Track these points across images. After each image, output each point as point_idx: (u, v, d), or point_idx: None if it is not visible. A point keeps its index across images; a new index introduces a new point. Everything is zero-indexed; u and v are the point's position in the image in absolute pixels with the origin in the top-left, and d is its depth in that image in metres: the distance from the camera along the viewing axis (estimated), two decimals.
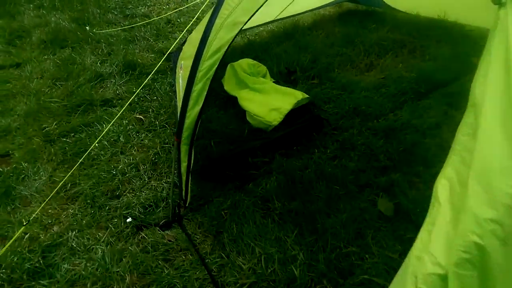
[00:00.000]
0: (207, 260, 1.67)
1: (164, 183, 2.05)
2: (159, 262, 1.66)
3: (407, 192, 1.99)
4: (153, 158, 2.21)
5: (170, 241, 1.75)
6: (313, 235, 1.78)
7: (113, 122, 2.26)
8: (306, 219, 1.84)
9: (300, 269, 1.61)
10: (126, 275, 1.60)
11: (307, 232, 1.80)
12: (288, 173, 2.08)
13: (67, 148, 2.30)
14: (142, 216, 1.87)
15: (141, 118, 2.59)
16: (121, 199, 1.96)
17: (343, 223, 1.83)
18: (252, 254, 1.68)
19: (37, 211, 1.83)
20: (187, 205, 1.85)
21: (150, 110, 2.67)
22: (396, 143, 2.34)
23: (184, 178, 1.72)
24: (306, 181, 2.05)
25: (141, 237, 1.77)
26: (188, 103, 1.51)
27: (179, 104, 2.32)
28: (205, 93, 1.50)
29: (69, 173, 1.92)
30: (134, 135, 2.40)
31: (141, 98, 2.82)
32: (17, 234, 1.46)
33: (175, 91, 2.59)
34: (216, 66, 1.44)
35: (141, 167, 2.15)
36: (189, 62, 1.78)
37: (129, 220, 1.80)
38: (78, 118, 2.57)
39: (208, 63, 1.44)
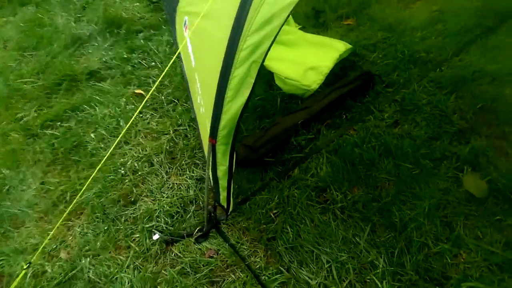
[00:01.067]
0: (263, 278, 1.39)
1: (188, 178, 1.72)
2: (204, 286, 1.38)
3: (497, 164, 1.67)
4: (167, 147, 1.85)
5: (211, 256, 1.47)
6: (390, 231, 1.51)
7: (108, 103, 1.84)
8: (377, 212, 1.59)
9: (383, 279, 1.35)
10: None
11: (381, 228, 1.52)
12: (342, 152, 1.77)
13: (55, 143, 1.93)
14: (170, 228, 1.56)
15: (141, 93, 2.18)
16: (138, 205, 1.65)
17: (425, 213, 1.53)
18: (318, 263, 1.42)
19: (35, 234, 1.51)
20: (229, 214, 1.53)
21: (150, 81, 2.24)
22: (469, 98, 1.98)
23: (223, 182, 1.37)
24: (366, 160, 1.74)
25: (174, 255, 1.49)
26: (226, 93, 1.12)
27: (191, 76, 1.91)
28: (252, 80, 1.11)
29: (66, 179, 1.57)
30: (138, 118, 2.01)
31: (136, 66, 2.37)
32: (14, 284, 1.14)
33: (180, 57, 2.14)
34: (269, 44, 1.04)
35: (155, 160, 1.80)
36: (205, 24, 1.37)
37: (156, 237, 1.50)
38: (61, 101, 2.15)
39: (254, 40, 1.05)
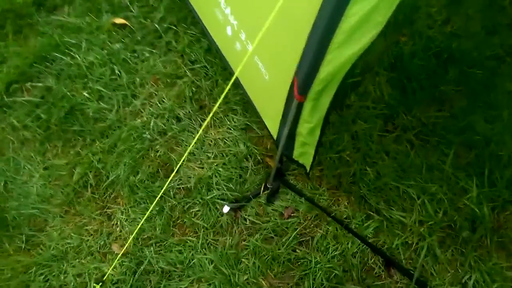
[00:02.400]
0: (353, 227, 1.42)
1: (231, 129, 1.59)
2: (297, 249, 1.39)
3: None
4: (190, 93, 1.65)
5: (292, 215, 1.44)
6: (473, 150, 1.54)
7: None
8: (455, 131, 1.60)
9: (478, 203, 1.44)
10: (261, 280, 1.34)
11: (464, 148, 1.56)
12: (400, 66, 1.71)
13: (39, 113, 1.61)
14: (235, 193, 1.47)
15: (124, 23, 1.82)
16: (183, 173, 1.51)
17: (503, 123, 1.57)
18: (407, 200, 1.46)
19: (69, 232, 1.37)
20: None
21: (127, 1, 1.85)
22: None
23: (307, 139, 1.26)
24: (430, 71, 1.69)
25: (249, 222, 1.44)
26: (333, 37, 0.91)
27: None
28: (383, 20, 0.90)
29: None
30: (133, 59, 1.70)
31: None
32: None
33: None
34: None
35: (181, 113, 1.62)
36: None
37: (226, 209, 1.42)
38: (16, 50, 1.74)
39: None
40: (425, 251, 1.39)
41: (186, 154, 1.06)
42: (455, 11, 1.87)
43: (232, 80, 1.02)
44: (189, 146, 1.57)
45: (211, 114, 1.02)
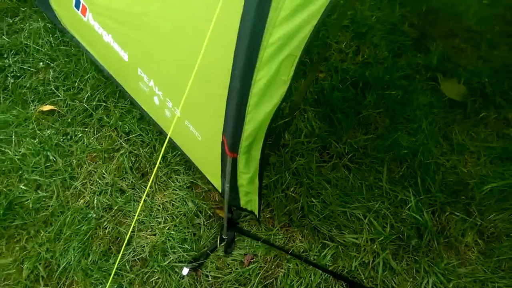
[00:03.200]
0: (312, 258, 1.58)
1: (176, 190, 1.71)
2: None
3: (460, 62, 2.06)
4: (129, 163, 1.77)
5: (252, 261, 1.57)
6: (403, 163, 1.79)
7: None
8: (384, 149, 1.85)
9: (418, 210, 1.69)
10: None
11: (395, 163, 1.80)
12: (323, 100, 1.97)
13: None
14: (192, 253, 1.59)
15: (52, 109, 1.96)
16: (136, 244, 1.60)
17: (425, 134, 1.85)
18: (356, 221, 1.64)
19: None
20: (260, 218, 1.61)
21: (52, 87, 2.00)
22: (410, 4, 2.29)
23: (248, 188, 1.44)
24: (351, 100, 1.97)
25: (212, 278, 1.54)
26: (248, 100, 1.11)
27: (121, 70, 1.78)
28: (286, 79, 1.10)
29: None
30: (66, 142, 1.83)
31: (18, 74, 2.07)
32: None
33: (81, 46, 1.94)
34: (310, 29, 1.02)
35: (124, 185, 1.73)
36: (138, 5, 1.34)
37: (186, 271, 1.52)
38: None
39: (284, 31, 1.00)
40: (382, 266, 1.56)
41: (133, 223, 1.17)
42: (362, 42, 2.20)
43: (165, 146, 1.18)
44: (139, 215, 1.68)
45: (150, 180, 1.16)
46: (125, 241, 1.20)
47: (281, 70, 1.06)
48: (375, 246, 1.58)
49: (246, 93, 1.10)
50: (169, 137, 1.74)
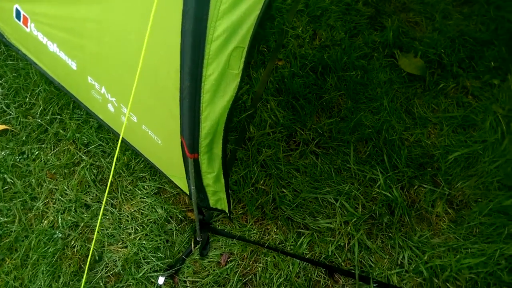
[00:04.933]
0: (289, 249, 1.58)
1: (144, 197, 1.69)
2: None
3: (416, 36, 2.08)
4: (91, 176, 1.72)
5: (228, 260, 1.56)
6: (369, 142, 1.81)
7: None
8: (349, 130, 1.86)
9: (388, 187, 1.71)
10: None
11: (361, 143, 1.81)
12: (285, 89, 1.98)
13: None
14: (167, 260, 1.56)
15: (5, 128, 1.88)
16: (108, 259, 1.57)
17: (387, 111, 1.87)
18: (328, 206, 1.66)
19: None
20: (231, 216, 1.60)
21: (3, 106, 1.92)
22: None
23: (214, 187, 1.42)
24: (312, 86, 1.98)
25: (190, 283, 1.53)
26: (201, 98, 1.09)
27: (72, 81, 1.72)
28: (237, 72, 1.08)
29: None
30: (22, 161, 1.77)
31: None
32: None
33: (29, 60, 1.87)
34: (255, 17, 1.00)
35: (88, 199, 1.68)
36: (78, 11, 1.31)
37: (161, 280, 1.50)
38: None
39: (228, 24, 0.98)
40: (357, 247, 1.57)
41: (94, 236, 1.13)
42: (318, 25, 2.19)
43: (118, 147, 1.14)
44: (106, 229, 1.63)
45: (108, 186, 1.11)
46: (89, 258, 1.15)
47: (230, 63, 1.05)
48: (349, 228, 1.60)
49: (198, 91, 1.08)
50: (132, 144, 1.70)
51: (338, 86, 1.96)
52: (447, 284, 1.51)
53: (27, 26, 1.73)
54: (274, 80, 1.99)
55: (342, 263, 1.56)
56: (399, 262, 1.56)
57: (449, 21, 2.19)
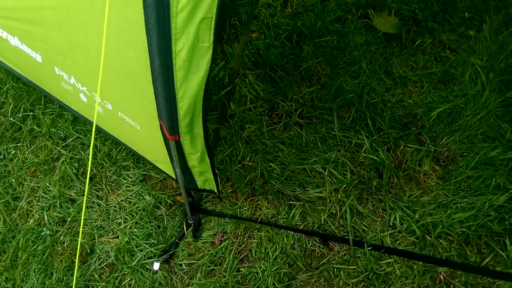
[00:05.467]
0: (282, 222, 1.56)
1: (130, 186, 1.65)
2: (240, 268, 1.50)
3: None
4: (73, 170, 1.67)
5: (222, 239, 1.54)
6: (352, 107, 1.78)
7: None
8: (331, 97, 1.82)
9: (374, 151, 1.70)
10: None
11: (344, 109, 1.78)
12: (262, 61, 1.91)
13: None
14: (160, 246, 1.53)
15: None
16: (100, 251, 1.53)
17: (366, 74, 1.84)
18: (317, 176, 1.64)
19: None
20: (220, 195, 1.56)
21: None
22: None
23: (200, 167, 1.37)
24: (289, 55, 1.93)
25: (186, 265, 1.50)
26: (174, 76, 1.03)
27: (40, 74, 1.63)
28: (208, 44, 1.02)
29: None
30: (1, 163, 1.72)
31: None
32: None
33: None
34: None
35: (72, 193, 1.63)
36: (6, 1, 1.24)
37: (157, 266, 1.47)
38: None
39: None
40: (349, 213, 1.56)
41: (80, 229, 1.08)
42: None
43: (93, 135, 1.08)
44: (95, 221, 1.58)
45: (87, 181, 1.06)
46: (78, 251, 1.11)
47: (200, 36, 1.00)
48: (339, 196, 1.58)
49: (170, 69, 1.03)
50: (111, 133, 1.63)
51: (315, 53, 1.91)
52: (440, 240, 1.51)
53: None
54: (250, 53, 1.92)
55: (335, 231, 1.55)
56: (391, 224, 1.55)
57: None
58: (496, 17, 1.93)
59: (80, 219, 1.58)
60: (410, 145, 1.69)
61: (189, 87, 1.09)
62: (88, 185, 1.66)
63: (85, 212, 1.56)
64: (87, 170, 1.57)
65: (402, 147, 1.70)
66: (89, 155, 1.71)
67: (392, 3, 1.98)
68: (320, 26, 1.96)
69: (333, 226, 1.55)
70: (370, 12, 1.98)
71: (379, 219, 1.57)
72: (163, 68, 1.01)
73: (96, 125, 1.64)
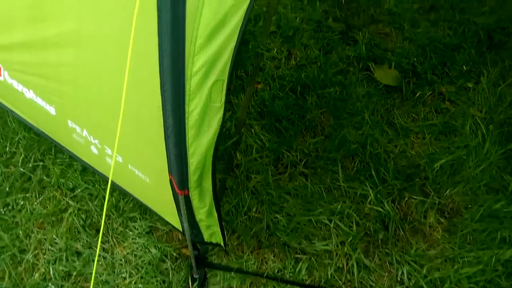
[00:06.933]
0: (288, 277, 1.52)
1: (136, 238, 1.61)
2: None
3: (388, 46, 2.07)
4: (80, 222, 1.64)
5: None
6: (356, 158, 1.77)
7: None
8: (335, 148, 1.80)
9: (379, 202, 1.66)
10: None
11: (348, 159, 1.77)
12: (268, 112, 1.92)
13: None
14: None
15: None
16: None
17: (369, 125, 1.84)
18: (323, 227, 1.60)
19: None
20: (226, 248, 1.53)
21: None
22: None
23: (208, 221, 1.35)
24: (294, 106, 1.93)
25: None
26: (186, 134, 1.04)
27: (53, 127, 1.64)
28: (219, 104, 1.03)
29: None
30: (8, 213, 1.70)
31: None
32: None
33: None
34: (232, 50, 0.96)
35: (79, 246, 1.60)
36: (53, 55, 1.23)
37: None
38: None
39: (205, 58, 0.94)
40: (356, 268, 1.51)
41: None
42: (292, 45, 2.15)
43: (108, 192, 1.06)
44: (100, 276, 1.54)
45: (100, 238, 1.03)
46: None
47: (212, 97, 1.01)
48: (345, 249, 1.54)
49: (182, 127, 1.03)
50: (119, 185, 1.61)
51: (318, 104, 1.92)
52: None
53: (0, 75, 1.64)
54: (255, 104, 1.93)
55: (342, 286, 1.50)
56: (399, 279, 1.51)
57: (418, 29, 2.18)
58: (493, 69, 1.95)
59: (85, 273, 1.54)
60: (414, 197, 1.66)
61: (200, 145, 1.08)
62: (95, 238, 1.62)
63: (92, 267, 1.52)
64: (97, 224, 1.54)
65: (406, 198, 1.67)
66: (96, 206, 1.69)
67: (392, 56, 2.01)
68: (323, 78, 1.98)
69: (340, 281, 1.51)
70: (371, 65, 2.00)
71: (387, 273, 1.52)
72: (176, 127, 1.02)
73: (104, 175, 1.63)
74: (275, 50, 2.10)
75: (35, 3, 1.20)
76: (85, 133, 1.45)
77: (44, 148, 1.82)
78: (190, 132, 1.04)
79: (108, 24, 1.07)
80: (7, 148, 1.83)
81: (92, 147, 1.50)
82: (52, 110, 1.52)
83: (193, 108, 1.00)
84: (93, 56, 1.15)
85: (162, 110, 1.01)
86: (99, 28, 1.10)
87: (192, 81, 0.95)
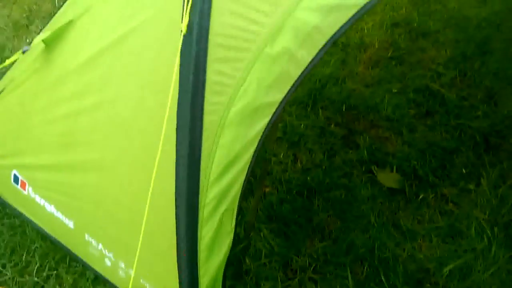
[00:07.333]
0: None
1: None
2: None
3: (389, 150, 2.18)
4: None
5: None
6: (364, 263, 1.77)
7: None
8: (344, 253, 1.83)
9: None
10: None
11: (356, 265, 1.78)
12: (275, 216, 1.98)
13: None
14: None
15: None
16: None
17: (375, 229, 1.88)
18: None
19: None
20: None
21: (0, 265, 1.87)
22: (329, 105, 2.45)
23: None
24: (300, 209, 1.99)
25: None
26: (198, 256, 1.11)
27: (70, 239, 1.71)
28: (230, 229, 1.13)
29: None
30: None
31: None
32: None
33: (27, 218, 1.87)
34: (241, 183, 1.08)
35: None
36: (75, 176, 1.40)
37: None
38: None
39: (217, 191, 1.06)
40: None
41: None
42: (298, 150, 2.28)
43: None
44: None
45: None
46: None
47: (223, 223, 1.10)
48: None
49: (194, 250, 1.12)
50: None
51: (325, 207, 1.98)
52: None
53: (24, 189, 1.77)
54: (264, 207, 2.00)
55: None
56: None
57: (416, 134, 2.31)
58: (492, 171, 2.03)
59: None
60: None
61: (211, 266, 1.15)
62: None
63: None
64: None
65: None
66: None
67: (393, 160, 2.12)
68: (328, 181, 2.07)
69: None
70: (373, 168, 2.10)
71: None
72: (188, 251, 1.09)
73: (115, 284, 1.66)
74: (282, 154, 2.23)
75: (68, 132, 1.36)
76: (100, 246, 1.53)
77: (58, 256, 1.87)
78: (201, 255, 1.11)
79: (130, 154, 1.21)
80: (24, 257, 1.89)
81: (106, 260, 1.56)
82: (70, 224, 1.61)
83: (205, 234, 1.10)
84: (114, 181, 1.27)
85: (176, 235, 1.10)
86: (120, 158, 1.24)
87: (205, 210, 1.06)
